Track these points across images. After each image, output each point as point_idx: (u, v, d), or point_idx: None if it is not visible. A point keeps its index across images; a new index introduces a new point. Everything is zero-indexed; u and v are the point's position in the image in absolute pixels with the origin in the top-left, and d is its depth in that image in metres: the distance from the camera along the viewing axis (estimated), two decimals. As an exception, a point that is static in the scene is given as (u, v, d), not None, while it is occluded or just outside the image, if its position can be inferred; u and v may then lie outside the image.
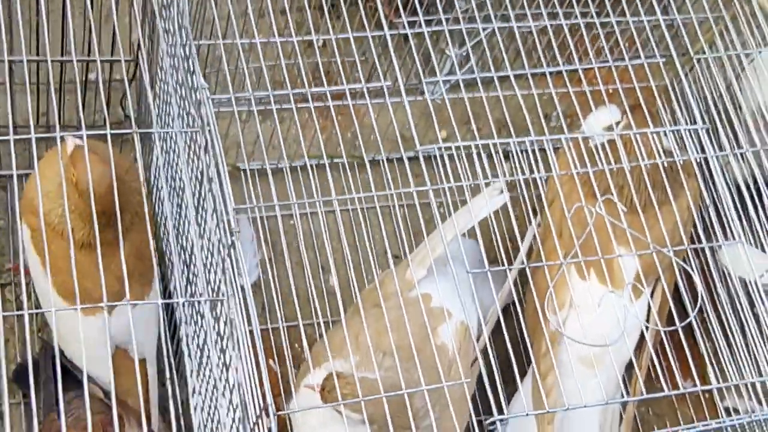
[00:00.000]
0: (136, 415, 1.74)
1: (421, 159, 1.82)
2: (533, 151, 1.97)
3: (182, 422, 1.83)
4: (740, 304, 1.90)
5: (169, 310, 1.86)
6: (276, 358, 1.94)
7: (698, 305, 1.65)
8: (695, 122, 1.79)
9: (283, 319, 1.97)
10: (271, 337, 1.96)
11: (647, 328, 1.76)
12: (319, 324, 1.92)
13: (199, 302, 1.48)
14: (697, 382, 2.04)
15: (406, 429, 1.60)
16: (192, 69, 1.57)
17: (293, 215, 2.07)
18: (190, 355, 1.69)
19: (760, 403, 1.76)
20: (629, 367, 1.87)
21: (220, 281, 1.39)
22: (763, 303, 1.84)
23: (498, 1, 1.88)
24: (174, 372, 1.81)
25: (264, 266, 1.99)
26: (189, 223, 1.53)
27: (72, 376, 1.74)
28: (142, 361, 1.82)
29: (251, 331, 1.40)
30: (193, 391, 1.71)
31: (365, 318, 1.70)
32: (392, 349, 1.67)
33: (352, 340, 1.68)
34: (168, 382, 1.83)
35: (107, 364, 1.69)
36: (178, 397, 1.83)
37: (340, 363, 1.72)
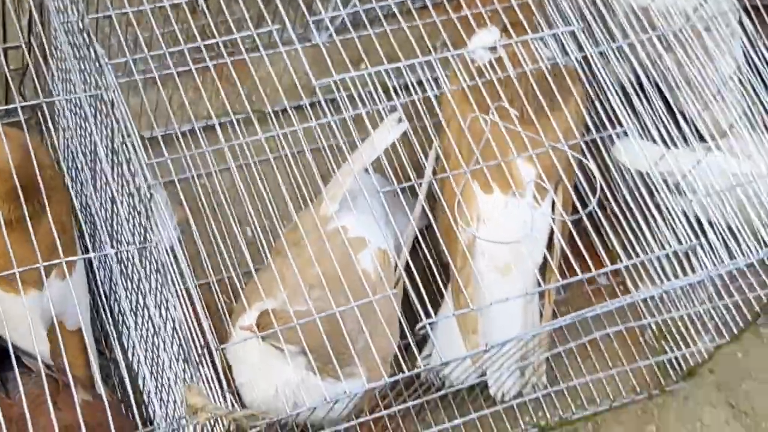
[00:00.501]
0: (82, 382, 1.80)
1: (324, 104, 1.89)
2: (427, 80, 2.05)
3: (127, 384, 1.89)
4: (640, 195, 2.01)
5: (97, 279, 1.93)
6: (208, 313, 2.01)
7: (597, 195, 1.76)
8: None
9: (211, 273, 2.03)
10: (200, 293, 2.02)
11: (554, 220, 1.86)
12: (247, 273, 1.99)
13: (128, 252, 1.54)
14: (609, 275, 2.18)
15: (342, 353, 1.69)
16: (88, 41, 1.63)
17: (204, 175, 2.14)
18: (124, 313, 1.76)
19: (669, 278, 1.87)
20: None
21: (145, 228, 1.46)
22: (659, 191, 1.97)
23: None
24: (113, 336, 1.87)
25: (183, 227, 2.05)
26: (107, 184, 1.59)
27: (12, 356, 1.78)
28: (79, 330, 1.88)
29: (182, 273, 1.47)
30: (134, 349, 1.77)
31: (290, 256, 1.77)
32: (319, 280, 1.76)
33: (280, 278, 1.76)
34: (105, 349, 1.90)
35: (45, 338, 1.75)
36: (121, 361, 1.89)
37: (271, 302, 1.80)
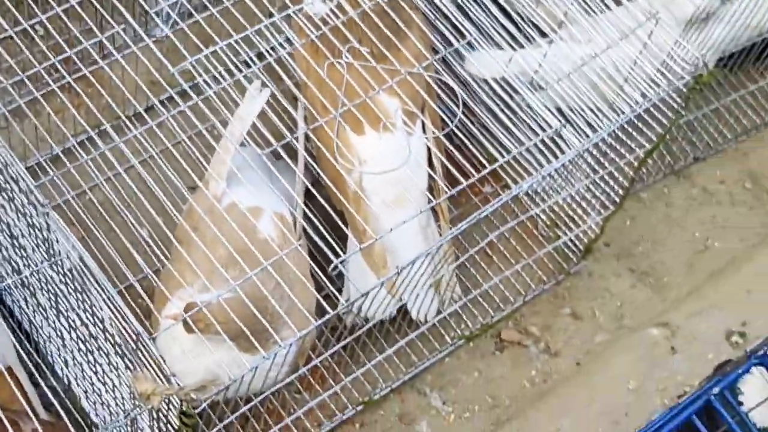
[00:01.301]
0: (26, 414, 1.86)
1: (192, 94, 1.95)
2: (279, 43, 2.13)
3: (68, 405, 1.96)
4: (501, 99, 2.13)
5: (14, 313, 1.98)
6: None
7: (461, 108, 1.87)
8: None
9: (118, 282, 2.09)
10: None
11: (428, 140, 1.98)
12: (157, 271, 2.05)
13: (39, 272, 1.61)
14: (492, 182, 2.30)
15: (263, 332, 1.77)
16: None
17: (90, 190, 2.19)
18: (49, 337, 1.81)
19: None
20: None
21: (49, 242, 1.52)
22: (517, 92, 2.09)
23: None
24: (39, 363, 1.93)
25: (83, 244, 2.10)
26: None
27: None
28: (10, 369, 1.93)
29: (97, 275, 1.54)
30: (66, 364, 1.83)
31: (195, 239, 1.85)
32: (229, 257, 1.83)
33: (193, 263, 1.82)
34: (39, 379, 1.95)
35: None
36: (56, 386, 1.94)
37: (190, 289, 1.87)
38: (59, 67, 1.91)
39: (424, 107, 2.05)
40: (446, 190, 1.86)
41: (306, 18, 2.00)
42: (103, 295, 1.50)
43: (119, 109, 2.07)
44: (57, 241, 1.55)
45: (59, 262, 1.59)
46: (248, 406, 1.84)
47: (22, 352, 1.88)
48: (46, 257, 1.63)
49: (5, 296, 2.01)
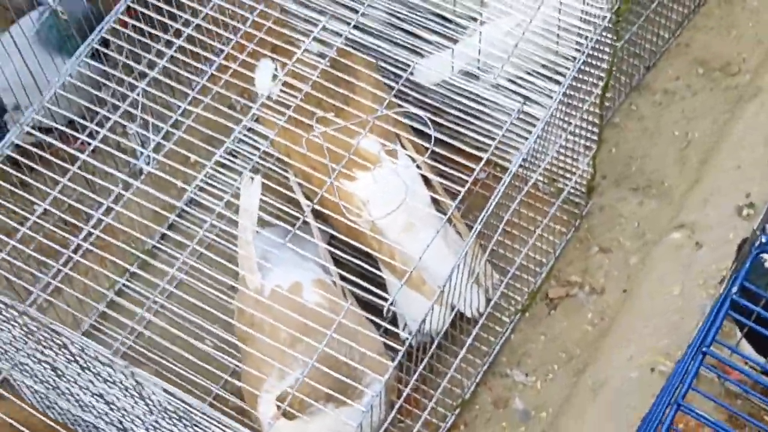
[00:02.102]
0: None
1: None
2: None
3: None
4: (460, 95, 2.33)
5: None
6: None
7: (431, 128, 2.07)
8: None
9: (205, 396, 2.29)
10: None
11: (415, 164, 2.18)
12: (233, 372, 2.25)
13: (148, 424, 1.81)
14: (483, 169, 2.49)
15: (349, 388, 1.97)
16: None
17: (142, 329, 2.39)
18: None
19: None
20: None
21: (142, 393, 1.73)
22: (471, 82, 2.30)
23: None
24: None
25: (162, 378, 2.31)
26: None
27: None
28: None
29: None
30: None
31: (255, 336, 2.05)
32: (292, 337, 2.03)
33: (266, 356, 2.02)
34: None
35: None
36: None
37: (271, 380, 2.06)
38: (73, 239, 2.11)
39: (399, 137, 2.25)
40: (448, 201, 2.05)
41: (265, 106, 2.19)
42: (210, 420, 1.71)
43: (137, 249, 2.27)
44: (152, 393, 1.75)
45: (158, 408, 1.79)
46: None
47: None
48: (146, 408, 1.83)
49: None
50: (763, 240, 1.64)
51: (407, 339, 2.00)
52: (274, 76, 2.25)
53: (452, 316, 2.20)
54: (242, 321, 2.17)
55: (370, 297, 2.03)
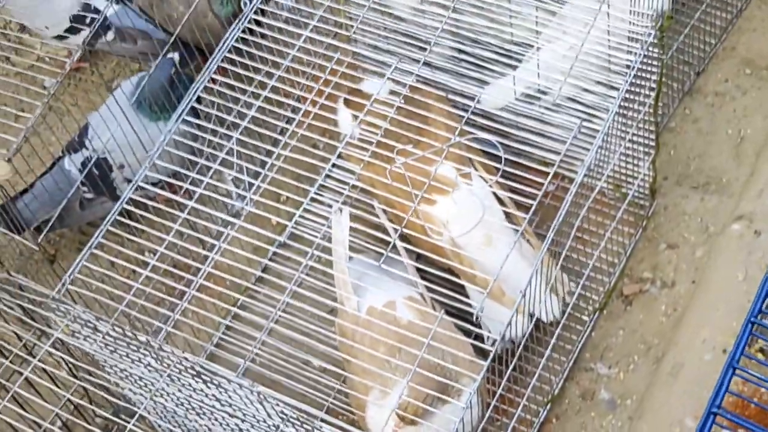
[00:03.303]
0: None
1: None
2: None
3: None
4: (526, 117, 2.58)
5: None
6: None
7: (501, 153, 2.32)
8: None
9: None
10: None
11: (488, 184, 2.43)
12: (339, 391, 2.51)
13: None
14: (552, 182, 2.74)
15: (449, 388, 2.23)
16: None
17: (254, 355, 2.67)
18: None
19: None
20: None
21: (269, 414, 2.00)
22: (536, 104, 2.55)
23: None
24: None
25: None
26: None
27: None
28: None
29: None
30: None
31: (358, 348, 2.31)
32: (392, 350, 2.29)
33: (369, 366, 2.28)
34: None
35: None
36: None
37: (375, 392, 2.32)
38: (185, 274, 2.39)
39: (472, 161, 2.51)
40: (523, 215, 2.30)
41: (351, 146, 2.47)
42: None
43: (241, 285, 2.55)
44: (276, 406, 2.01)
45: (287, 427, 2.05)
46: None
47: None
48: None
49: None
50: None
51: (493, 344, 2.24)
52: (355, 117, 2.51)
53: (532, 322, 2.43)
54: (344, 338, 2.43)
55: (458, 305, 2.27)
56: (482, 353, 2.27)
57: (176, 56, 2.79)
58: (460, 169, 2.46)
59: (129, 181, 2.71)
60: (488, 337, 2.41)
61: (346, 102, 2.56)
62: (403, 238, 2.50)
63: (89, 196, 2.77)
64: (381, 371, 2.31)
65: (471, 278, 2.46)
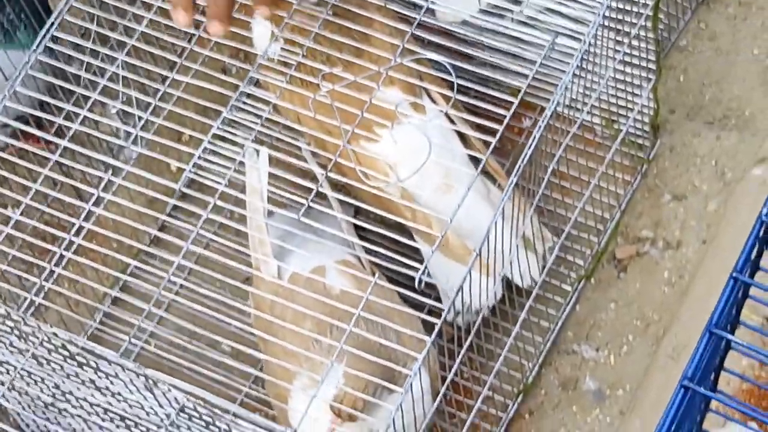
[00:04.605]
0: None
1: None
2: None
3: None
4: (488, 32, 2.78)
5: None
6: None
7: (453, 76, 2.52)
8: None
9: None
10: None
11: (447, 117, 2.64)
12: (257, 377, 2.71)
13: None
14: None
15: (393, 372, 2.42)
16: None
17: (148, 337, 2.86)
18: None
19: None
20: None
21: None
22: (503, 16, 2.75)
23: None
24: None
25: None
26: None
27: None
28: None
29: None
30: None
31: (278, 325, 2.50)
32: (321, 327, 2.49)
33: (291, 346, 2.48)
34: None
35: None
36: None
37: (302, 377, 2.52)
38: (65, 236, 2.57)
39: (428, 92, 2.72)
40: (500, 160, 2.50)
41: (266, 69, 2.66)
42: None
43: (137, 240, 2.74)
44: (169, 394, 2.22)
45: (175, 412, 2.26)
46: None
47: None
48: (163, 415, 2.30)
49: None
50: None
51: (453, 318, 2.44)
52: (273, 33, 2.71)
53: (501, 287, 2.62)
54: (261, 312, 2.59)
55: (406, 271, 2.46)
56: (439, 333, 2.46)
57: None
58: (409, 98, 2.65)
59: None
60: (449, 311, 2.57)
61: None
62: (338, 187, 2.70)
63: None
64: (308, 353, 2.50)
65: (426, 237, 2.65)
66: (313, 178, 2.70)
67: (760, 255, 2.02)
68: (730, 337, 1.99)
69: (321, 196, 2.64)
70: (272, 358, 2.56)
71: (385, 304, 2.50)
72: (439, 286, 2.68)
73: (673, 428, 1.93)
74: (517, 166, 2.45)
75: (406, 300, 2.59)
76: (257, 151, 2.73)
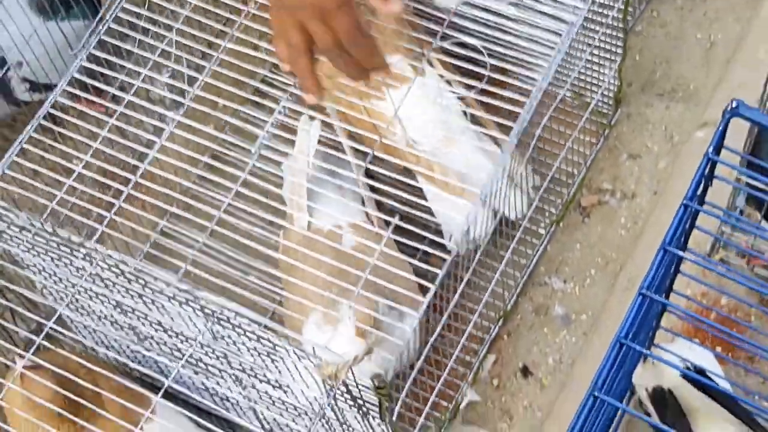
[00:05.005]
0: None
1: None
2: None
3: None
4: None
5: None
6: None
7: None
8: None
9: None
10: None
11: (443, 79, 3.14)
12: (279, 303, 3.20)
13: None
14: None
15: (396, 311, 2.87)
16: None
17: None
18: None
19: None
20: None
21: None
22: None
23: None
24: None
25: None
26: None
27: None
28: None
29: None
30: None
31: (300, 268, 2.89)
32: (338, 271, 2.86)
33: (311, 287, 2.85)
34: None
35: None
36: None
37: (318, 311, 2.97)
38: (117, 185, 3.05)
39: (424, 49, 3.14)
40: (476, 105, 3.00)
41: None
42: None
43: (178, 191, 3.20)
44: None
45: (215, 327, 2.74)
46: (415, 370, 2.97)
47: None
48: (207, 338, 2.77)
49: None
50: (734, 105, 2.32)
51: (453, 248, 2.86)
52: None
53: (495, 222, 3.09)
54: (287, 255, 2.98)
55: (415, 212, 2.91)
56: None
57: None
58: (414, 65, 3.12)
59: (26, 80, 3.40)
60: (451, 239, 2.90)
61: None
62: (356, 142, 3.15)
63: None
64: (324, 292, 2.86)
65: (429, 179, 3.08)
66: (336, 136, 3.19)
67: (705, 190, 2.33)
68: (680, 253, 2.30)
69: (341, 165, 3.03)
70: (292, 295, 2.96)
71: (391, 254, 2.93)
72: (440, 221, 3.15)
73: (630, 335, 2.18)
74: (518, 124, 2.85)
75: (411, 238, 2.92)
76: (312, 119, 3.15)
